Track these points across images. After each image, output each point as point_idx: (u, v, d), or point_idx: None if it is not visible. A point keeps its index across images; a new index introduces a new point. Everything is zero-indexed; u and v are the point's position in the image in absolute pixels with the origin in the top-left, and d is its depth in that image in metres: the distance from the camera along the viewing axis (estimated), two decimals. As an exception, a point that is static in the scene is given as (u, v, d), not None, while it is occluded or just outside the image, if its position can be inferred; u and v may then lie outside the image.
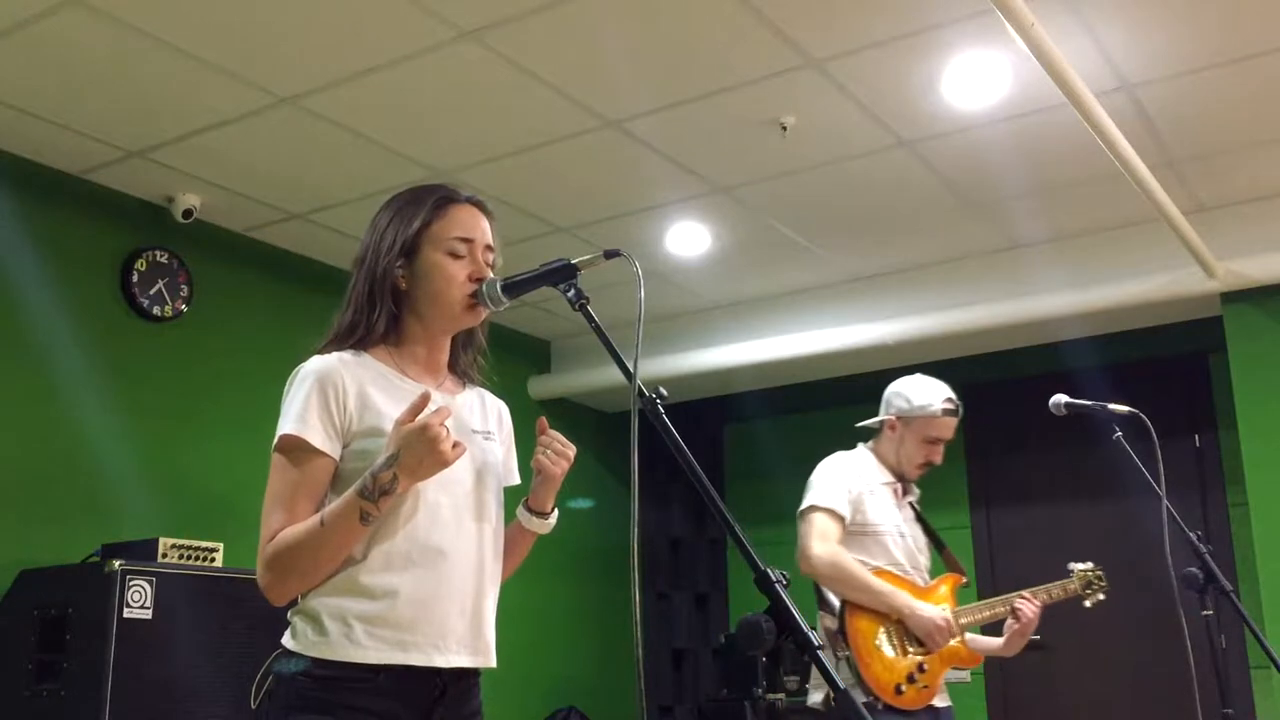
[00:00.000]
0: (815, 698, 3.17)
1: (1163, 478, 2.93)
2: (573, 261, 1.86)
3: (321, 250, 4.91)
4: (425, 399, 1.79)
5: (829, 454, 3.37)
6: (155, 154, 4.07)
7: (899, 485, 3.34)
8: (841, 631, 3.08)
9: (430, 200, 1.99)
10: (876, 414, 3.42)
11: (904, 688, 3.06)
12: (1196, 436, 5.40)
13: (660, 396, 1.72)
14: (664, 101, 3.81)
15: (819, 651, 1.50)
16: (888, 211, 4.74)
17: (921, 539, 3.35)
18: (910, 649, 3.12)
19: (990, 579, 5.61)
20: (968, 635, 3.27)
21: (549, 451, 2.00)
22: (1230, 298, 4.75)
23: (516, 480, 2.10)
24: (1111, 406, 3.08)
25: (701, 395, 6.20)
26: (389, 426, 1.80)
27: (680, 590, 6.49)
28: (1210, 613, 2.87)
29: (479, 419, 2.04)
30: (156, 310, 4.35)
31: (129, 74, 3.54)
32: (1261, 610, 4.49)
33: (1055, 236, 4.99)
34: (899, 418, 3.32)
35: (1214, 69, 3.66)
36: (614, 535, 6.32)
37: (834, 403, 5.96)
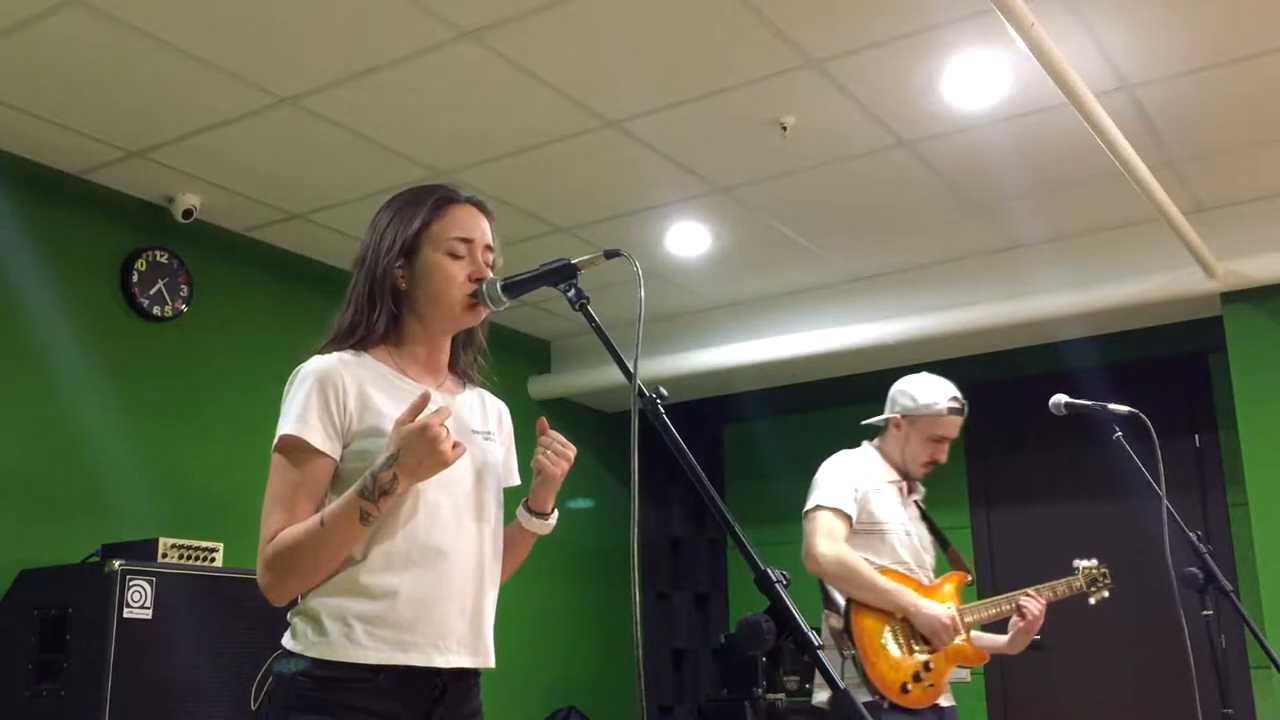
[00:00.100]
0: (820, 697, 3.17)
1: (1163, 478, 2.93)
2: (573, 261, 1.86)
3: (321, 250, 4.91)
4: (425, 399, 1.79)
5: (829, 454, 3.37)
6: (155, 154, 4.07)
7: (904, 484, 3.33)
8: (847, 630, 3.07)
9: (430, 200, 1.98)
10: (876, 413, 3.42)
11: (910, 686, 3.05)
12: (1196, 436, 5.40)
13: (660, 396, 1.72)
14: (664, 101, 3.81)
15: (819, 651, 1.49)
16: (888, 211, 4.74)
17: (927, 537, 3.35)
18: (916, 647, 3.11)
19: (990, 579, 5.61)
20: (973, 633, 3.26)
21: (549, 452, 2.00)
22: (1230, 298, 4.76)
23: (516, 481, 2.10)
24: (1111, 406, 3.08)
25: (701, 395, 6.20)
26: (389, 427, 1.80)
27: (680, 590, 6.49)
28: (1210, 613, 2.87)
29: (479, 419, 2.04)
30: (156, 310, 4.35)
31: (129, 74, 3.54)
32: (1261, 610, 4.49)
33: (1055, 236, 4.99)
34: (904, 416, 3.32)
35: (1214, 69, 3.66)
36: (614, 535, 6.32)
37: (834, 403, 5.96)
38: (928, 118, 3.93)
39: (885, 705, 3.00)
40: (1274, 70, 3.68)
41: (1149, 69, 3.66)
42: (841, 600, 3.13)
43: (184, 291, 4.45)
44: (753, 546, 1.58)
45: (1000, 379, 5.61)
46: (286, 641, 1.82)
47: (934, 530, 3.39)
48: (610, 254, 1.85)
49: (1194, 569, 2.88)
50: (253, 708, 3.55)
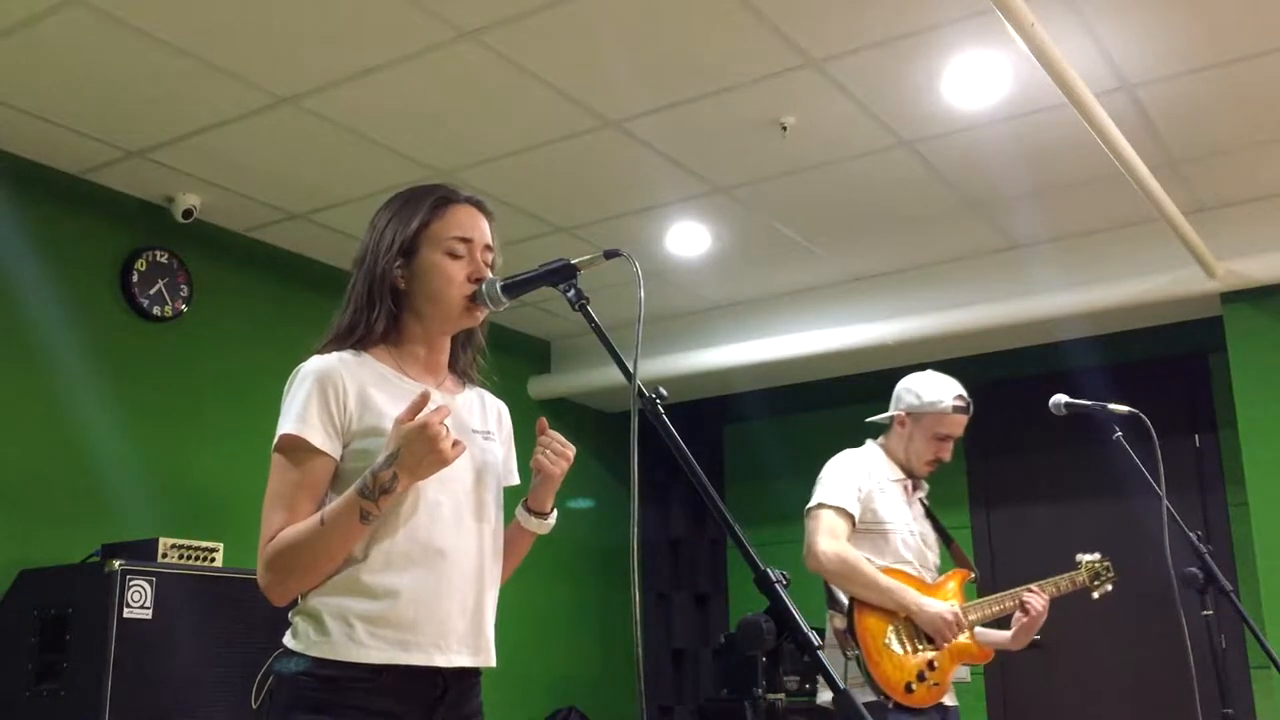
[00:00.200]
0: (824, 696, 3.16)
1: (1163, 478, 2.93)
2: (573, 261, 1.86)
3: (321, 250, 4.91)
4: (425, 398, 1.79)
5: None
6: (155, 154, 4.07)
7: (908, 482, 3.32)
8: (851, 630, 3.06)
9: (429, 200, 1.98)
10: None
11: (914, 686, 3.04)
12: (1196, 436, 5.40)
13: (660, 396, 1.72)
14: (664, 101, 3.81)
15: (819, 651, 1.49)
16: (887, 211, 4.74)
17: (931, 536, 3.34)
18: (920, 646, 3.10)
19: (991, 579, 5.60)
20: (976, 629, 3.26)
21: (548, 451, 2.00)
22: (1230, 298, 4.76)
23: (516, 480, 2.10)
24: (1111, 406, 3.08)
25: (701, 395, 6.20)
26: (389, 426, 1.79)
27: (680, 590, 6.49)
28: (1210, 613, 2.87)
29: (479, 419, 2.04)
30: (156, 310, 4.35)
31: (129, 74, 3.54)
32: (1261, 610, 4.49)
33: (1055, 236, 4.99)
34: (909, 413, 3.31)
35: (1214, 69, 3.66)
36: (614, 535, 6.32)
37: (834, 403, 5.96)
38: (928, 118, 3.93)
39: (890, 705, 2.99)
40: (1274, 70, 3.68)
41: (1149, 69, 3.66)
42: (845, 600, 3.12)
43: (184, 291, 4.45)
44: (752, 546, 1.58)
45: (1000, 379, 5.60)
46: (288, 641, 1.82)
47: (938, 528, 3.38)
48: (610, 254, 1.85)
49: (1194, 569, 2.88)
50: (253, 707, 3.55)
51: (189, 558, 3.62)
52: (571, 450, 2.02)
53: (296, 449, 1.82)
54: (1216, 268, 4.55)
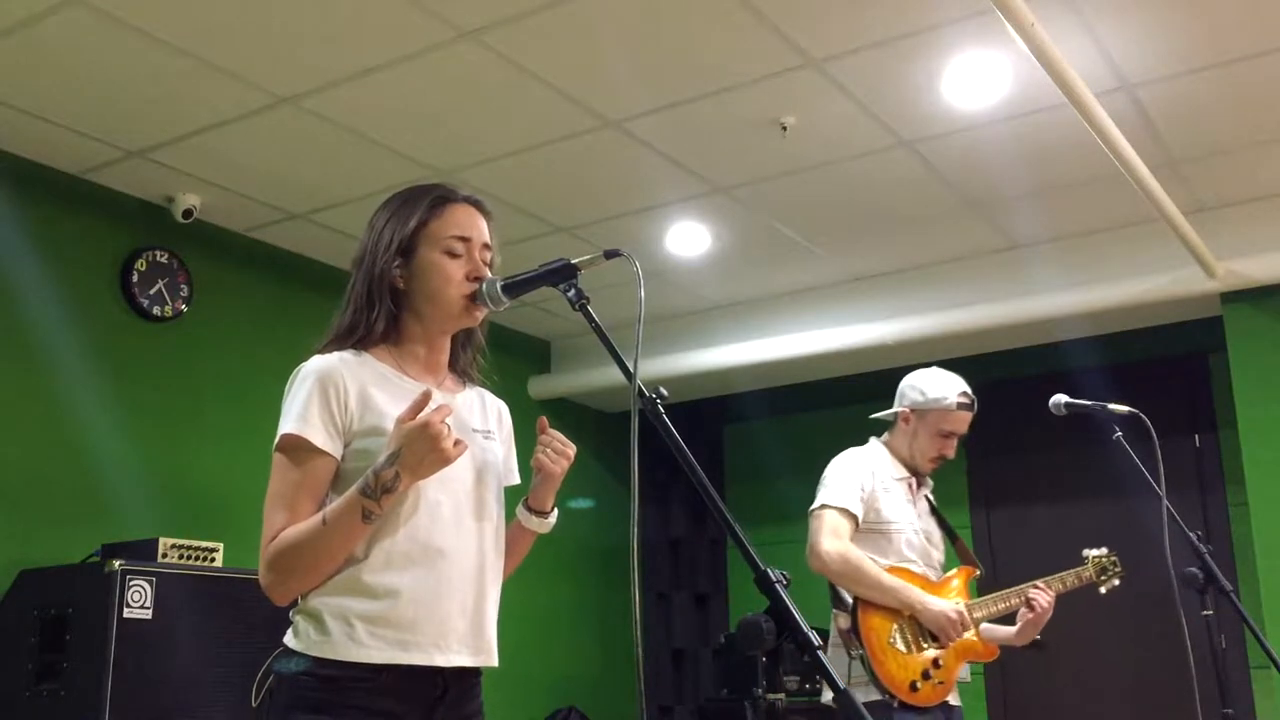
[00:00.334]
0: (829, 695, 3.16)
1: (1163, 478, 2.93)
2: (573, 261, 1.86)
3: (321, 250, 4.91)
4: (427, 397, 1.79)
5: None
6: (155, 154, 4.07)
7: (913, 480, 3.31)
8: (855, 630, 3.05)
9: (427, 199, 1.98)
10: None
11: (919, 684, 3.03)
12: (1196, 436, 5.40)
13: (660, 396, 1.72)
14: (664, 101, 3.81)
15: (819, 651, 1.49)
16: (888, 211, 4.74)
17: (936, 534, 3.32)
18: (924, 644, 3.09)
19: (991, 579, 5.59)
20: (981, 626, 3.25)
21: (549, 450, 2.01)
22: (1230, 298, 4.76)
23: (516, 480, 2.10)
24: (1111, 406, 3.08)
25: (701, 395, 6.20)
26: (390, 426, 1.80)
27: (680, 590, 6.49)
28: (1210, 613, 2.87)
29: (479, 418, 2.04)
30: (156, 310, 4.35)
31: (129, 74, 3.54)
32: (1261, 610, 4.49)
33: (1055, 236, 4.99)
34: (913, 410, 3.30)
35: (1214, 69, 3.66)
36: (614, 535, 6.32)
37: (834, 403, 5.96)
38: (928, 118, 3.93)
39: (895, 704, 2.98)
40: (1274, 70, 3.68)
41: (1149, 69, 3.66)
42: (850, 599, 3.12)
43: (184, 291, 4.45)
44: (752, 546, 1.58)
45: (1000, 379, 5.59)
46: (288, 640, 1.82)
47: (943, 525, 3.37)
48: (610, 254, 1.85)
49: (1194, 569, 2.87)
50: (254, 707, 3.55)
51: (189, 558, 3.62)
52: (572, 449, 2.02)
53: (298, 449, 1.82)
54: (1216, 268, 4.55)
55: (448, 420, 1.76)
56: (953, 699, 3.16)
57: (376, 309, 1.94)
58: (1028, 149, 4.17)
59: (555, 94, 3.73)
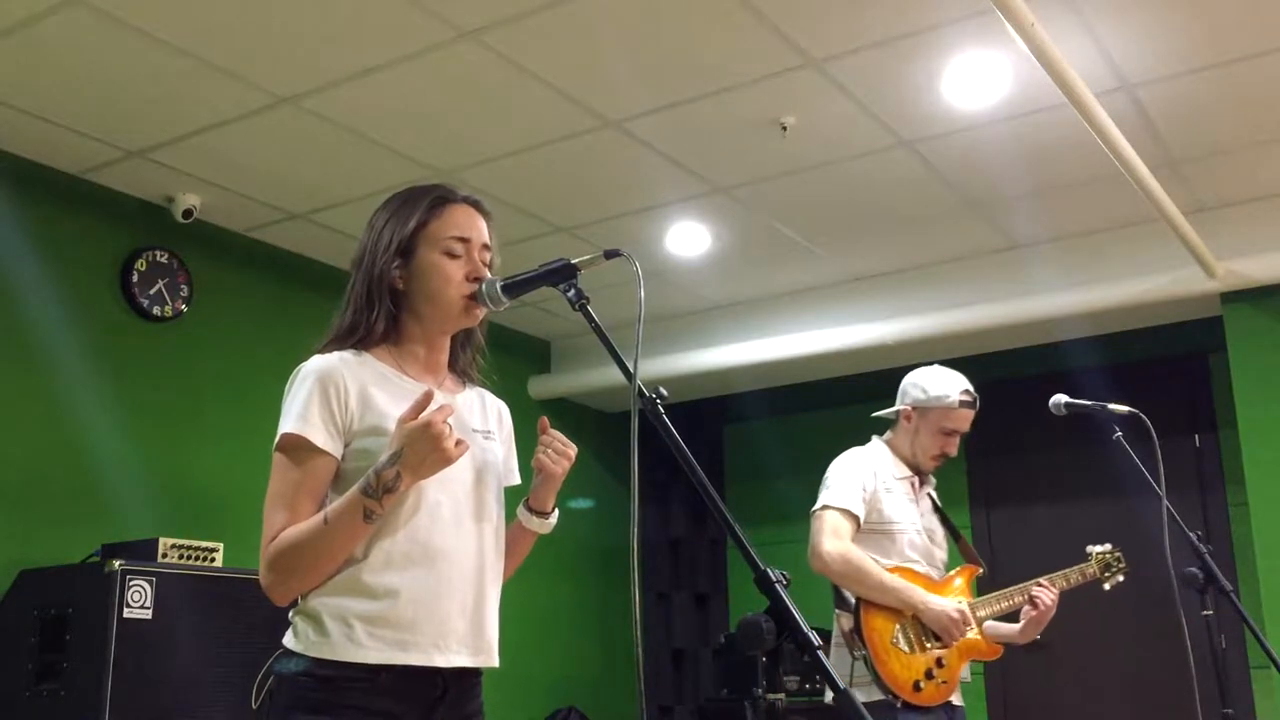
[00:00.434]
0: (831, 695, 3.15)
1: (1163, 478, 2.93)
2: (573, 261, 1.86)
3: (321, 250, 4.91)
4: (429, 396, 1.79)
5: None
6: (155, 154, 4.07)
7: (915, 479, 3.30)
8: (858, 630, 3.05)
9: (426, 200, 1.98)
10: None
11: (922, 684, 3.03)
12: (1196, 436, 5.40)
13: (660, 396, 1.71)
14: (664, 101, 3.81)
15: (819, 651, 1.49)
16: (888, 211, 4.74)
17: (939, 533, 3.31)
18: (927, 644, 3.09)
19: (991, 579, 5.60)
20: (985, 624, 3.25)
21: (550, 451, 2.00)
22: (1230, 298, 4.76)
23: (517, 480, 2.10)
24: (1111, 406, 3.08)
25: (701, 395, 6.20)
26: (391, 425, 1.80)
27: (680, 590, 6.49)
28: (1210, 613, 2.87)
29: (479, 418, 2.04)
30: (156, 310, 4.35)
31: (129, 74, 3.54)
32: (1261, 610, 4.49)
33: (1055, 236, 4.99)
34: (915, 408, 3.29)
35: (1214, 69, 3.66)
36: (614, 535, 6.32)
37: (834, 403, 5.97)
38: (928, 118, 3.93)
39: (899, 704, 2.98)
40: (1274, 70, 3.68)
41: (1149, 69, 3.66)
42: (852, 600, 3.11)
43: (184, 291, 4.45)
44: (752, 546, 1.58)
45: (1000, 379, 5.59)
46: (287, 641, 1.82)
47: (946, 523, 3.36)
48: (610, 254, 1.85)
49: (1194, 569, 2.87)
50: (253, 707, 3.55)
51: (189, 558, 3.62)
52: (573, 449, 2.02)
53: (298, 448, 1.82)
54: (1216, 268, 4.55)
55: (449, 420, 1.76)
56: (956, 699, 3.15)
57: (376, 309, 1.94)
58: (1028, 149, 4.17)
59: (555, 94, 3.73)
